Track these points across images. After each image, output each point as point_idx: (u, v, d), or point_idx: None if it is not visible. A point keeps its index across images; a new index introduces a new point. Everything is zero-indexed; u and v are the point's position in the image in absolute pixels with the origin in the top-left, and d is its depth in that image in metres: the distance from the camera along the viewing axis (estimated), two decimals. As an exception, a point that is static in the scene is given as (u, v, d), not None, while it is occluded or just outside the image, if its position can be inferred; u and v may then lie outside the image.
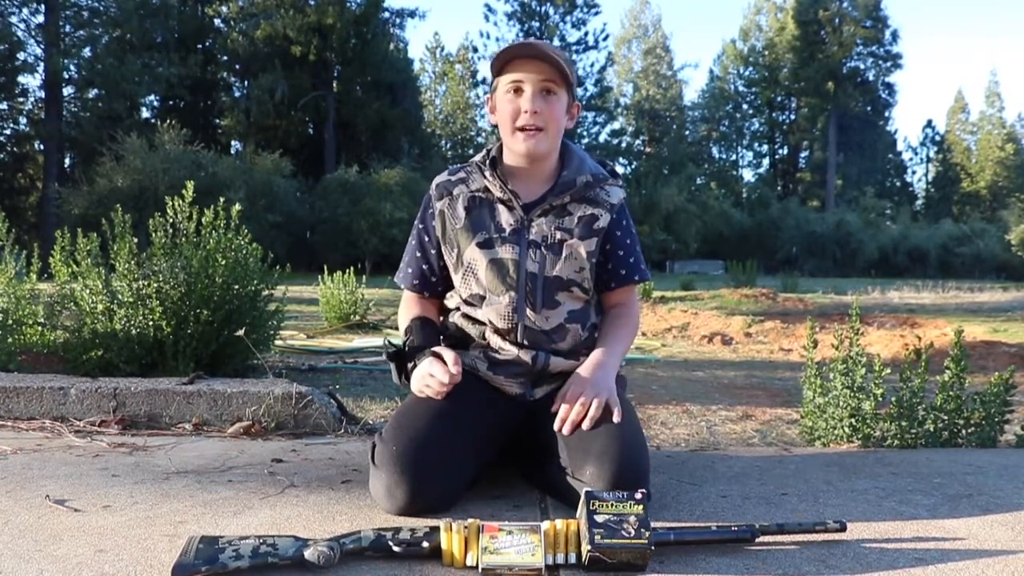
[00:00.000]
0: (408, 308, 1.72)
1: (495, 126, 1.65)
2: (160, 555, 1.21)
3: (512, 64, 1.57)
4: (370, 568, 1.18)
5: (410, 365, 1.58)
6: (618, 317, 1.69)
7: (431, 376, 1.50)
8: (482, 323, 1.63)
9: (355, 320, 6.90)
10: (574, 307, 1.63)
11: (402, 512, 1.41)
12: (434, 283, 1.71)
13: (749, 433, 2.91)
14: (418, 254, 1.70)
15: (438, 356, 1.52)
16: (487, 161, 1.66)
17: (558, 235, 1.60)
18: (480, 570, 1.15)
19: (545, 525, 1.19)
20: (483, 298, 1.62)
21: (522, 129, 1.57)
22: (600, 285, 1.68)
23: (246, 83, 33.32)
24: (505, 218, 1.62)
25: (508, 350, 1.60)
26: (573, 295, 1.62)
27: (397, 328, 1.76)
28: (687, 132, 49.00)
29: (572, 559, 1.18)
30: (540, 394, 1.62)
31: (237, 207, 3.55)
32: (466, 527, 1.19)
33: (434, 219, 1.67)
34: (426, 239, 1.69)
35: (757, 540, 1.28)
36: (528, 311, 1.59)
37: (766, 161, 52.35)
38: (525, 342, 1.60)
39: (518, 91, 1.57)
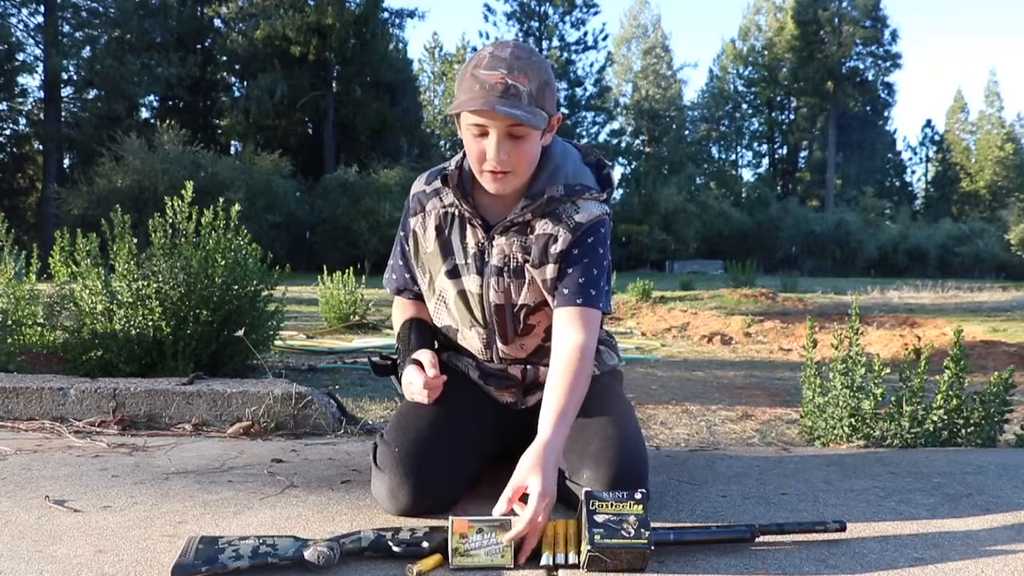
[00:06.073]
0: (400, 311, 1.69)
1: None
2: (160, 555, 1.21)
3: None
4: (370, 568, 1.18)
5: (400, 373, 1.58)
6: (564, 363, 1.39)
7: (411, 384, 1.50)
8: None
9: (355, 320, 6.90)
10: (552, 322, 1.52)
11: (405, 513, 1.41)
12: (417, 289, 1.67)
13: (749, 433, 2.91)
14: (400, 261, 1.67)
15: (417, 363, 1.51)
16: (454, 175, 1.50)
17: (520, 256, 1.49)
18: (451, 569, 1.17)
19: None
20: (457, 330, 1.59)
21: (490, 171, 1.40)
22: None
23: (245, 83, 33.31)
24: (472, 238, 1.52)
25: (496, 365, 1.59)
26: (548, 313, 1.52)
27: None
28: (686, 132, 48.99)
29: (572, 559, 1.18)
30: (532, 401, 1.61)
31: (236, 207, 3.55)
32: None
33: (410, 234, 1.61)
34: (407, 247, 1.64)
35: (757, 540, 1.28)
36: (500, 344, 1.56)
37: (765, 161, 52.41)
38: (507, 365, 1.59)
39: (483, 134, 1.37)
